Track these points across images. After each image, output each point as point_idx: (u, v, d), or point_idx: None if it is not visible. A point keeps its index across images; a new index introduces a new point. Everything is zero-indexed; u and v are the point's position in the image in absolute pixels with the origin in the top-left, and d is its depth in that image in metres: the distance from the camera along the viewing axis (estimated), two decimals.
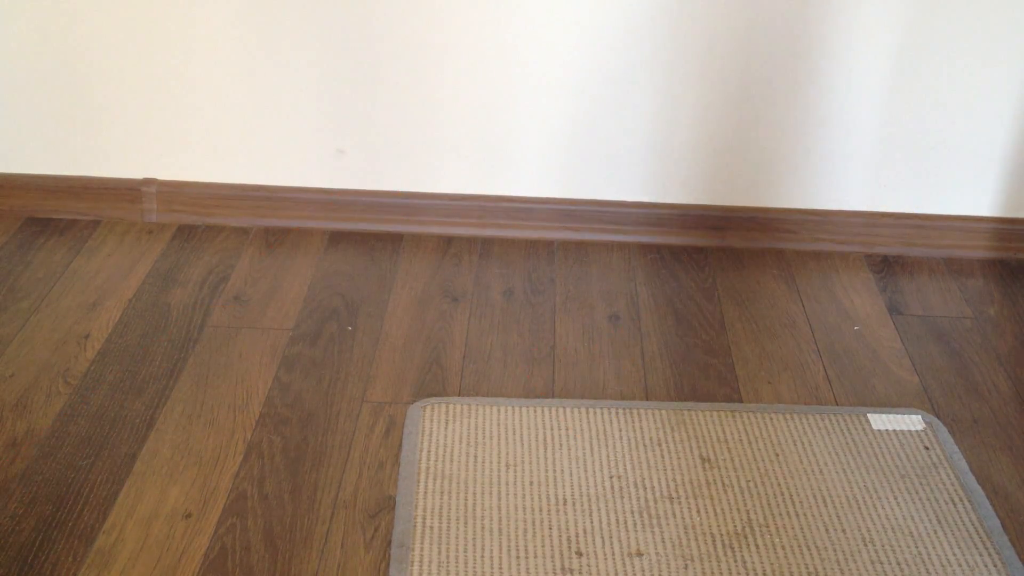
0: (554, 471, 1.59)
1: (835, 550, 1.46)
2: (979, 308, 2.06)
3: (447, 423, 1.67)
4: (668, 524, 1.50)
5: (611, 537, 1.48)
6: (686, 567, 1.44)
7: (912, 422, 1.71)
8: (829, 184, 2.18)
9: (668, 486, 1.57)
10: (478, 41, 2.07)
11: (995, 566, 1.45)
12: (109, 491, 1.53)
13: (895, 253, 2.22)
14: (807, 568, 1.43)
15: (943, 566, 1.44)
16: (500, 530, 1.48)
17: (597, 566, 1.43)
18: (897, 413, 1.73)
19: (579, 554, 1.44)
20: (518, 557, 1.44)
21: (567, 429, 1.67)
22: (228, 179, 2.20)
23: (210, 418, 1.68)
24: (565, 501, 1.53)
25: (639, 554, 1.45)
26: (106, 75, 2.11)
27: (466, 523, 1.49)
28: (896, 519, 1.52)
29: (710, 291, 2.07)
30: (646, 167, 2.17)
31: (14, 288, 1.98)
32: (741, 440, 1.66)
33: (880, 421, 1.71)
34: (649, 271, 2.12)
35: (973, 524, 1.52)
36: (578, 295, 2.04)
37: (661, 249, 2.20)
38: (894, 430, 1.69)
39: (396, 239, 2.19)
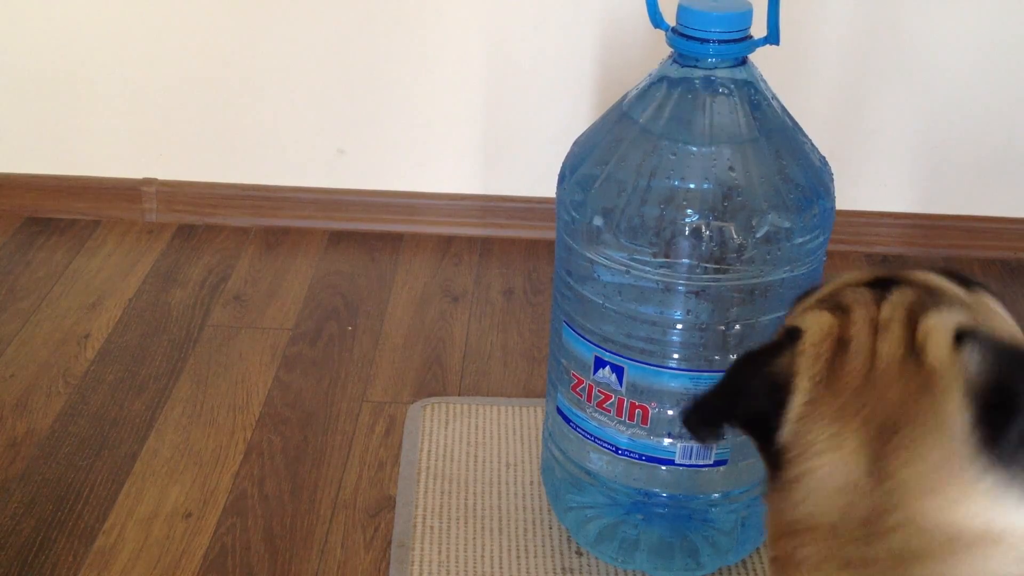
0: None
1: None
2: None
3: (447, 423, 1.67)
4: None
5: None
6: None
7: None
8: None
9: None
10: (479, 41, 2.07)
11: None
12: (109, 491, 1.53)
13: (895, 253, 2.22)
14: None
15: None
16: (500, 530, 1.48)
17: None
18: None
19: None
20: (518, 557, 1.44)
21: None
22: (228, 179, 2.20)
23: (210, 418, 1.68)
24: None
25: None
26: (106, 74, 2.11)
27: (466, 523, 1.49)
28: None
29: None
30: None
31: (14, 288, 1.98)
32: None
33: None
34: None
35: None
36: None
37: None
38: None
39: (396, 239, 2.19)
